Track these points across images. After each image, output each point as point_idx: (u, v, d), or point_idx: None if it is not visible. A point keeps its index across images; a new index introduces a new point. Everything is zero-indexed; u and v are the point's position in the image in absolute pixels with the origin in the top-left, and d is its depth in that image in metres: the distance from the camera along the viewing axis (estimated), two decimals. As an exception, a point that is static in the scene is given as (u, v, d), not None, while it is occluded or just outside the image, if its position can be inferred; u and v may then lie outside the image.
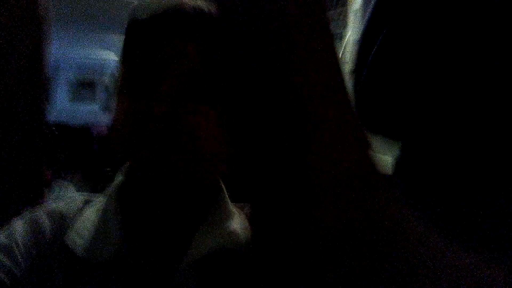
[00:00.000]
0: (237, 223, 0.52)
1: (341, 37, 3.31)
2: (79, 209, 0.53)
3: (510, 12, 0.37)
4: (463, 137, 0.41)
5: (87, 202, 0.54)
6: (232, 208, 0.54)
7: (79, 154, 4.86)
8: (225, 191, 0.55)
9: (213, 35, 0.45)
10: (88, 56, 8.22)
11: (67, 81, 9.79)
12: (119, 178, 0.54)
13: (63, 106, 9.72)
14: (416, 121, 0.44)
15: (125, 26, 0.50)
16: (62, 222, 0.51)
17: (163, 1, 0.48)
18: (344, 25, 3.48)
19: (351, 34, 3.03)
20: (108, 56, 7.68)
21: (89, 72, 9.91)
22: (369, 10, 0.50)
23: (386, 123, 0.47)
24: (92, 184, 3.25)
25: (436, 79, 0.41)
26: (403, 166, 0.49)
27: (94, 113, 10.10)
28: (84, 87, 10.15)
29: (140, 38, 0.48)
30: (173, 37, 0.46)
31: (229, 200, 0.55)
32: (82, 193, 0.71)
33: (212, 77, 0.44)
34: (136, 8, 0.50)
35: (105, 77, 9.88)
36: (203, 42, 0.46)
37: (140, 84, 0.47)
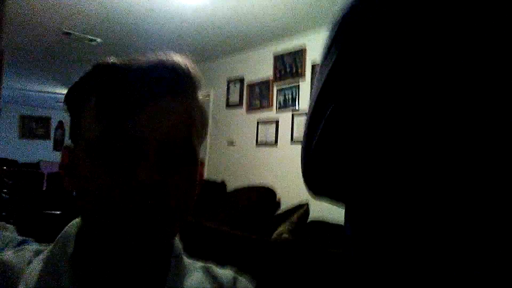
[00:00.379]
0: (194, 279, 0.53)
1: (295, 104, 3.47)
2: (28, 261, 0.50)
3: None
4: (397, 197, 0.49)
5: (37, 253, 0.51)
6: (188, 264, 0.55)
7: (26, 193, 4.59)
8: (180, 246, 0.56)
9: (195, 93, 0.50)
10: (41, 90, 7.97)
11: (18, 116, 9.48)
12: (71, 230, 0.52)
13: (12, 142, 9.34)
14: (356, 186, 0.52)
15: (95, 79, 0.47)
16: (10, 274, 0.47)
17: (151, 58, 0.47)
18: (297, 95, 3.68)
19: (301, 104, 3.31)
20: (62, 91, 7.49)
21: (41, 107, 9.63)
22: (315, 88, 0.59)
23: (331, 188, 0.56)
24: (35, 228, 3.07)
25: (376, 152, 0.49)
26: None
27: (46, 150, 9.73)
28: (35, 123, 9.84)
29: (120, 96, 0.45)
30: (162, 95, 0.45)
31: (183, 257, 0.55)
32: (23, 238, 0.67)
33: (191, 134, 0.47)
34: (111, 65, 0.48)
35: (58, 113, 9.62)
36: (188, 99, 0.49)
37: (121, 148, 0.44)
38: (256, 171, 4.25)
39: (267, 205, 3.62)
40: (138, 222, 0.43)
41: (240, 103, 4.59)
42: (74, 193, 0.50)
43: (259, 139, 4.29)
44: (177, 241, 0.55)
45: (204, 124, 0.53)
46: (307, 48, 3.89)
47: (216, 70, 5.00)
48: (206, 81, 5.06)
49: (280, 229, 3.08)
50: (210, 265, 0.58)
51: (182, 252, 0.55)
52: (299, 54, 3.95)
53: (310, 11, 3.37)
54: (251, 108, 4.43)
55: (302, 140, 0.59)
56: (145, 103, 0.44)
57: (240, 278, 0.57)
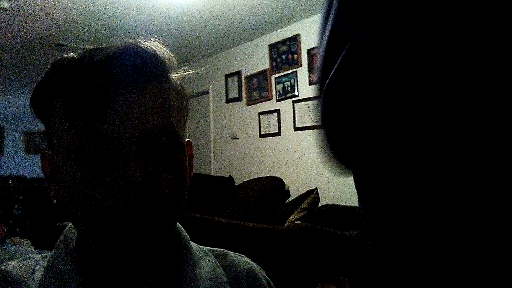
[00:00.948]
0: (206, 266, 0.52)
1: (295, 92, 3.44)
2: (32, 270, 0.49)
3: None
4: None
5: (39, 261, 0.51)
6: (198, 251, 0.54)
7: (36, 208, 4.63)
8: (186, 236, 0.55)
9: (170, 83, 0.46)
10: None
11: (22, 132, 9.54)
12: (69, 234, 0.51)
13: (19, 159, 9.40)
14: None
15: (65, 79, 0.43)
16: (13, 284, 0.47)
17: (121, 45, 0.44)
18: (296, 82, 3.64)
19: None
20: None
21: (45, 122, 9.65)
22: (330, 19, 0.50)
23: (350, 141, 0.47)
24: (50, 240, 3.09)
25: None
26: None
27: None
28: (40, 137, 9.89)
29: (94, 90, 0.41)
30: (131, 85, 0.42)
31: (192, 244, 0.55)
32: (39, 251, 0.65)
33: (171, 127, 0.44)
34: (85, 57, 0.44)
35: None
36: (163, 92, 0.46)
37: (99, 150, 0.41)
38: (262, 162, 4.25)
39: (277, 195, 3.63)
40: (134, 222, 0.41)
41: (239, 97, 4.58)
42: (55, 201, 0.47)
43: (262, 130, 4.28)
44: (183, 232, 0.54)
45: (183, 106, 0.51)
46: (301, 34, 3.87)
47: (212, 67, 4.99)
48: (204, 78, 5.07)
49: (292, 217, 3.08)
50: (222, 250, 0.57)
51: (189, 238, 0.54)
52: (293, 42, 3.93)
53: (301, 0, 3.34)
54: (251, 100, 4.42)
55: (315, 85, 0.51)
56: (115, 96, 0.41)
57: (254, 267, 0.56)
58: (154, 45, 0.46)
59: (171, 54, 0.49)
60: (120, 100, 0.41)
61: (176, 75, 0.50)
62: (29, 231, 3.01)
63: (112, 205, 0.40)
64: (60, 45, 4.19)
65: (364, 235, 0.56)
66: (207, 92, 5.07)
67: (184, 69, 0.53)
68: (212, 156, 4.95)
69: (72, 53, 0.46)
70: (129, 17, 3.58)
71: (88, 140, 0.41)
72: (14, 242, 2.45)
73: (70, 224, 0.52)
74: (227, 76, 4.76)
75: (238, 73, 4.60)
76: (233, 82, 4.69)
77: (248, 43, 4.48)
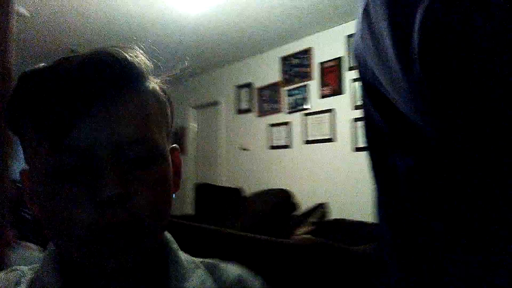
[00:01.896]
0: (196, 279, 0.49)
1: (306, 105, 3.45)
2: (17, 281, 0.47)
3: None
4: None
5: (26, 273, 0.48)
6: (188, 263, 0.51)
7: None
8: (176, 247, 0.51)
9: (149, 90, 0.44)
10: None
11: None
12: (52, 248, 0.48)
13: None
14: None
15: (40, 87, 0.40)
16: None
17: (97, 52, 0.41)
18: (307, 95, 3.65)
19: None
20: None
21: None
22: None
23: None
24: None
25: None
26: None
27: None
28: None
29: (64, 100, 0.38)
30: (102, 95, 0.39)
31: (182, 256, 0.51)
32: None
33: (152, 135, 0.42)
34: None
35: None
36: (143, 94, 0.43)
37: (73, 166, 0.39)
38: (271, 174, 4.24)
39: (285, 207, 3.60)
40: (113, 240, 0.39)
41: (250, 108, 4.60)
42: (31, 217, 0.45)
43: (272, 142, 4.28)
44: (171, 243, 0.51)
45: (165, 112, 0.47)
46: (313, 48, 3.88)
47: (224, 78, 5.02)
48: (215, 89, 5.12)
49: (301, 230, 3.06)
50: (214, 261, 0.54)
51: (178, 250, 0.51)
52: (305, 55, 3.95)
53: (314, 13, 3.36)
54: (262, 112, 4.43)
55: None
56: (84, 107, 0.38)
57: (245, 276, 0.53)
58: (128, 51, 0.43)
59: (147, 60, 0.46)
60: (90, 111, 0.38)
61: (156, 81, 0.47)
62: (38, 236, 3.03)
63: (89, 223, 0.38)
64: (73, 51, 4.26)
65: (385, 253, 0.54)
66: (218, 103, 5.10)
67: (167, 76, 0.51)
68: (222, 167, 4.95)
69: (42, 64, 0.43)
70: (144, 27, 3.63)
71: (59, 156, 0.38)
72: (23, 247, 2.46)
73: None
74: (239, 87, 4.78)
75: (250, 85, 4.62)
76: (244, 94, 4.71)
77: (260, 55, 4.51)
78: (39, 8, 3.24)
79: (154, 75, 0.48)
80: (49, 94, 0.39)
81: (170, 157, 0.47)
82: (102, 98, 0.39)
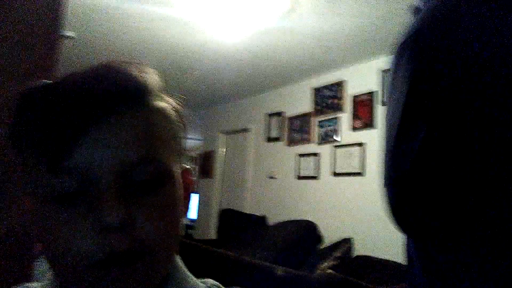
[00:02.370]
0: None
1: (336, 137, 3.45)
2: None
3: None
4: None
5: (43, 286, 0.47)
6: (193, 284, 0.47)
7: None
8: (181, 276, 0.47)
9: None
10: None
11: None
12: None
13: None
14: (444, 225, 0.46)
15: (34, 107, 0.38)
16: None
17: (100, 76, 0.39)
18: (338, 127, 3.64)
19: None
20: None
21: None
22: (393, 107, 0.51)
23: (425, 223, 0.49)
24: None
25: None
26: None
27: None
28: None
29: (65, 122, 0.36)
30: (106, 114, 0.37)
31: (187, 279, 0.48)
32: None
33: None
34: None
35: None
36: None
37: (73, 190, 0.36)
38: (297, 204, 4.19)
39: (309, 239, 3.53)
40: (117, 270, 0.36)
41: (280, 137, 4.60)
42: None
43: (300, 172, 4.25)
44: (178, 270, 0.47)
45: (175, 132, 0.44)
46: (346, 80, 3.88)
47: (256, 105, 5.08)
48: (246, 116, 5.16)
49: (324, 264, 2.98)
50: (214, 286, 0.50)
51: (186, 277, 0.47)
52: (338, 87, 3.95)
53: (348, 45, 3.39)
54: (291, 141, 4.43)
55: (384, 166, 0.54)
56: (84, 126, 0.36)
57: None
58: (135, 66, 0.41)
59: (157, 77, 0.43)
60: (90, 130, 0.36)
61: (168, 100, 0.44)
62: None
63: (90, 252, 0.35)
64: (65, 36, 4.44)
65: None
66: (248, 130, 5.14)
67: (180, 96, 0.46)
68: (248, 193, 4.94)
69: (44, 80, 0.41)
70: (184, 54, 3.75)
71: (59, 178, 0.36)
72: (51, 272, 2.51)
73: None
74: (270, 115, 4.82)
75: (281, 114, 4.65)
76: (275, 122, 4.73)
77: (292, 85, 4.55)
78: (86, 30, 3.42)
79: (167, 94, 0.45)
80: (48, 111, 0.36)
81: (180, 179, 0.43)
82: (104, 116, 0.37)
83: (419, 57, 0.47)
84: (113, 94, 0.37)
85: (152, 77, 0.42)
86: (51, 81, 0.40)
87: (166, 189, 0.40)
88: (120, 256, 0.36)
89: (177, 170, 0.43)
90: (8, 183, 0.87)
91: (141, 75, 0.41)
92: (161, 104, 0.42)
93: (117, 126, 0.37)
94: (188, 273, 0.48)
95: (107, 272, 0.36)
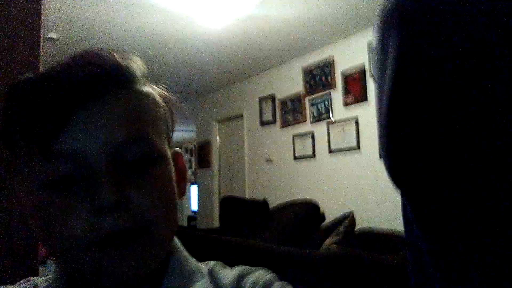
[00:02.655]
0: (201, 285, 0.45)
1: (329, 114, 3.45)
2: (37, 287, 0.47)
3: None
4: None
5: (39, 284, 0.48)
6: (190, 274, 0.47)
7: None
8: (182, 257, 0.48)
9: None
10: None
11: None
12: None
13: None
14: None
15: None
16: None
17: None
18: (330, 105, 3.65)
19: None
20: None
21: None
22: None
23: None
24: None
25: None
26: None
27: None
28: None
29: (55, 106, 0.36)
30: (92, 98, 0.38)
31: (187, 266, 0.47)
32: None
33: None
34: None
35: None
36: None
37: (68, 169, 0.36)
38: (296, 185, 4.21)
39: (312, 219, 3.57)
40: (115, 249, 0.37)
41: (273, 120, 4.60)
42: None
43: (296, 153, 4.26)
44: (177, 252, 0.47)
45: (163, 116, 0.44)
46: (335, 57, 3.87)
47: (246, 91, 5.06)
48: (238, 102, 5.15)
49: (328, 241, 3.02)
50: (217, 266, 0.50)
51: (185, 260, 0.48)
52: (328, 65, 3.94)
53: (335, 22, 3.36)
54: (285, 123, 4.43)
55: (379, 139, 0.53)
56: (72, 109, 0.36)
57: (246, 277, 0.47)
58: (119, 53, 0.42)
59: (140, 63, 0.44)
60: (79, 114, 0.37)
61: (155, 87, 0.46)
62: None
63: (88, 233, 0.36)
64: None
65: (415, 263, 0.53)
66: (241, 116, 5.13)
67: (163, 82, 0.48)
68: (247, 179, 4.96)
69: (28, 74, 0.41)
70: (168, 43, 3.71)
71: (51, 163, 0.36)
72: (55, 263, 2.52)
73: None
74: (261, 99, 4.81)
75: (272, 96, 4.63)
76: (267, 105, 4.72)
77: (281, 66, 4.53)
78: (67, 31, 3.37)
79: (153, 82, 0.46)
80: (36, 99, 0.37)
81: (171, 160, 0.44)
82: (90, 98, 0.37)
83: (405, 31, 0.47)
84: (98, 76, 0.38)
85: (136, 63, 0.43)
86: (33, 74, 0.40)
87: (158, 168, 0.41)
88: (117, 236, 0.36)
89: (167, 150, 0.44)
90: (9, 181, 0.87)
91: (124, 60, 0.41)
92: (146, 88, 0.43)
93: (105, 108, 0.38)
94: (188, 255, 0.49)
95: (105, 253, 0.36)
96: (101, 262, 0.37)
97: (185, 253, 0.49)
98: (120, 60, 0.41)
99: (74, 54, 0.40)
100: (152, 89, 0.45)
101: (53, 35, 3.41)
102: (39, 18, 1.07)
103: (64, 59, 0.41)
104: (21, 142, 0.38)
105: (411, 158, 0.46)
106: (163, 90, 0.47)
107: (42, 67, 1.06)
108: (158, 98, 0.45)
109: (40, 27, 1.08)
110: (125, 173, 0.38)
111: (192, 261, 0.49)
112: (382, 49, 0.50)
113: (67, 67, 0.38)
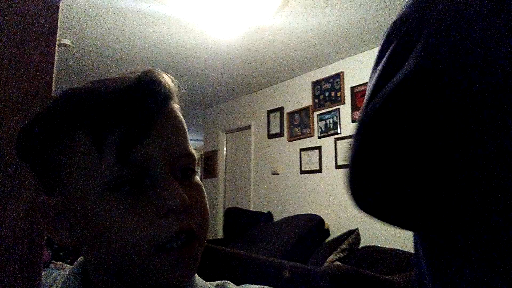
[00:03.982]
0: None
1: (337, 129, 3.45)
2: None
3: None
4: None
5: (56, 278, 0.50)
6: (203, 283, 0.50)
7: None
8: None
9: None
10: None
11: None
12: (79, 270, 0.48)
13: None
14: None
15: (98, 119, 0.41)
16: None
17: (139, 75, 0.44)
18: (338, 119, 3.66)
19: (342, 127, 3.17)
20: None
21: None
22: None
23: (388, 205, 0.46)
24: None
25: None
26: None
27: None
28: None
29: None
30: (156, 113, 0.43)
31: (195, 281, 0.50)
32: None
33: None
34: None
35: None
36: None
37: (139, 180, 0.40)
38: (302, 199, 4.19)
39: (316, 233, 3.54)
40: (178, 251, 0.40)
41: (281, 133, 4.61)
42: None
43: (302, 167, 4.25)
44: None
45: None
46: (344, 72, 3.88)
47: (255, 102, 5.08)
48: (246, 114, 5.16)
49: (332, 257, 2.99)
50: (224, 284, 0.53)
51: (194, 278, 0.50)
52: (337, 79, 3.95)
53: (345, 38, 3.38)
54: (292, 136, 4.43)
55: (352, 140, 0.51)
56: (147, 123, 0.41)
57: None
58: (163, 74, 0.47)
59: (174, 79, 0.49)
60: (151, 127, 0.41)
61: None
62: (72, 256, 3.10)
63: (157, 234, 0.39)
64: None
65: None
66: (249, 127, 5.14)
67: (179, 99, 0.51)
68: (252, 191, 4.94)
69: (77, 86, 0.45)
70: (180, 54, 3.75)
71: (123, 169, 0.39)
72: (58, 267, 2.52)
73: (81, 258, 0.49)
74: (270, 111, 4.82)
75: (281, 109, 4.65)
76: (275, 118, 4.73)
77: (291, 80, 4.55)
78: (80, 38, 3.42)
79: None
80: (111, 111, 0.40)
81: None
82: (158, 115, 0.42)
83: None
84: (162, 95, 0.43)
85: (172, 81, 0.48)
86: (92, 86, 0.44)
87: (196, 177, 0.46)
88: (182, 237, 0.40)
89: None
90: (12, 182, 0.88)
91: (167, 78, 0.47)
92: (176, 104, 0.48)
93: (167, 123, 0.44)
94: (197, 276, 0.51)
95: (172, 251, 0.40)
96: (166, 262, 0.40)
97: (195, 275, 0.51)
98: (169, 81, 0.46)
99: (138, 74, 0.44)
100: (176, 103, 0.49)
101: (67, 41, 3.46)
102: (56, 24, 1.09)
103: (118, 77, 0.46)
104: (82, 147, 0.41)
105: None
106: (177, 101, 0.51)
107: (55, 73, 1.07)
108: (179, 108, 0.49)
109: (56, 33, 1.10)
110: (183, 181, 0.43)
111: (201, 281, 0.51)
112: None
113: (137, 84, 0.43)
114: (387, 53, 0.49)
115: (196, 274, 0.50)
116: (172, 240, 0.39)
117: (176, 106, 0.47)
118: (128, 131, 0.40)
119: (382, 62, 0.49)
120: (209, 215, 0.46)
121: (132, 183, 0.40)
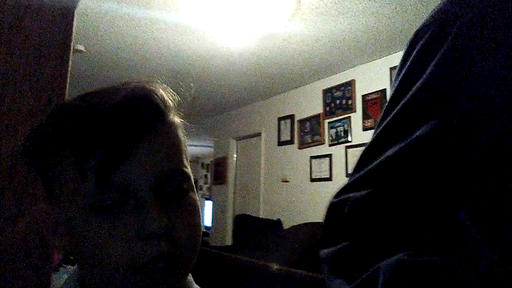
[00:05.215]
0: None
1: (348, 137, 3.43)
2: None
3: None
4: None
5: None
6: None
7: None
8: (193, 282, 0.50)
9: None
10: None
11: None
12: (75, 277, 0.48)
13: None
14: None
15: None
16: None
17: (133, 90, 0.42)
18: (349, 127, 3.62)
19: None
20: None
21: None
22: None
23: None
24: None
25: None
26: None
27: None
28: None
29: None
30: (145, 131, 0.41)
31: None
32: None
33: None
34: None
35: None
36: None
37: (118, 200, 0.39)
38: (312, 207, 4.17)
39: (326, 242, 3.50)
40: (157, 273, 0.39)
41: (291, 140, 4.60)
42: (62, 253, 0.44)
43: (313, 175, 4.23)
44: (191, 281, 0.50)
45: (185, 143, 0.47)
46: (356, 80, 3.87)
47: (266, 109, 5.08)
48: (257, 121, 5.16)
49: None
50: None
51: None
52: (348, 87, 3.93)
53: (357, 46, 3.38)
54: (303, 144, 4.42)
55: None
56: (129, 145, 0.40)
57: None
58: (159, 86, 0.45)
59: (174, 93, 0.47)
60: (134, 148, 0.40)
61: (180, 114, 0.48)
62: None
63: (136, 257, 0.39)
64: None
65: None
66: (259, 134, 5.15)
67: (186, 109, 0.50)
68: (262, 198, 4.93)
69: (70, 98, 0.44)
70: (191, 61, 3.78)
71: (104, 192, 0.39)
72: (67, 271, 2.54)
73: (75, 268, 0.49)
74: (280, 119, 4.82)
75: (291, 117, 4.64)
76: (285, 125, 4.73)
77: (302, 87, 4.55)
78: (94, 44, 3.47)
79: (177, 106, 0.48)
80: (93, 130, 0.39)
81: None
82: (144, 135, 0.41)
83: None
84: (149, 113, 0.42)
85: (169, 93, 0.46)
86: (81, 101, 0.42)
87: (189, 196, 0.44)
88: (160, 260, 0.39)
89: (191, 175, 0.46)
90: (22, 191, 0.89)
91: (164, 93, 0.45)
92: (175, 118, 0.46)
93: (153, 142, 0.41)
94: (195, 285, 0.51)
95: (150, 275, 0.39)
96: (145, 284, 0.39)
97: (194, 284, 0.50)
98: (163, 95, 0.44)
99: (127, 87, 0.43)
100: (177, 117, 0.47)
101: (81, 48, 3.51)
102: (71, 32, 1.11)
103: (110, 90, 0.43)
104: (67, 167, 0.40)
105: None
106: (181, 113, 0.48)
107: (69, 79, 1.09)
108: (181, 125, 0.47)
109: (71, 40, 1.12)
110: (165, 202, 0.41)
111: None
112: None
113: (123, 103, 0.41)
114: (407, 64, 0.48)
115: (193, 283, 0.50)
116: (151, 263, 0.39)
117: (173, 119, 0.45)
118: (108, 155, 0.39)
119: (402, 73, 0.49)
120: (200, 235, 0.44)
121: (113, 205, 0.39)
